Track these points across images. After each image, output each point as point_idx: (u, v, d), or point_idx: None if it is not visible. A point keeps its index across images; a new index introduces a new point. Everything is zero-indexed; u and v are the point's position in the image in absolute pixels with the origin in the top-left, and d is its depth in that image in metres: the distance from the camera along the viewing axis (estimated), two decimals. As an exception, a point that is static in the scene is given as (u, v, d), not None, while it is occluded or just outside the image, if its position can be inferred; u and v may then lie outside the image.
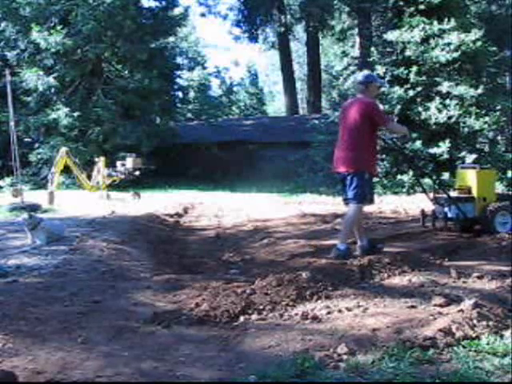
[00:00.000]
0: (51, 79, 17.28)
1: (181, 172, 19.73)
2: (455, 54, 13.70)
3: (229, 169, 20.07)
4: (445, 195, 6.60)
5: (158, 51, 19.49)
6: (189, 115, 26.58)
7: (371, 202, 5.66)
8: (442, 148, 13.39)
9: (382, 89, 14.30)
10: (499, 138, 15.62)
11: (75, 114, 17.09)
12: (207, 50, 46.10)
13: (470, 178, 6.80)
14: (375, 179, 13.78)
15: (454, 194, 6.84)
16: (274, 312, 3.85)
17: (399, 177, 13.61)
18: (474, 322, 3.17)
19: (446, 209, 6.49)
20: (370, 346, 3.00)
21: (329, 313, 3.75)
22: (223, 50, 70.46)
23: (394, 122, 5.87)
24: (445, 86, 13.81)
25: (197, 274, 5.36)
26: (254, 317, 3.78)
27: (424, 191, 6.92)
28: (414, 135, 13.76)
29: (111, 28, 17.41)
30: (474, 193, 6.61)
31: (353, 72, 17.01)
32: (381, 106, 5.97)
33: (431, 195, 6.83)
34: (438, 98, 13.82)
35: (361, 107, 5.44)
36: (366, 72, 6.12)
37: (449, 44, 13.79)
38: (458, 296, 3.88)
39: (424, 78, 14.05)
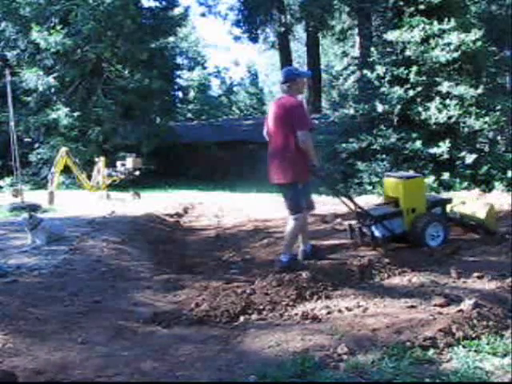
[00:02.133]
0: (51, 79, 17.28)
1: (181, 172, 19.73)
2: (455, 54, 13.70)
3: (229, 169, 20.07)
4: (371, 212, 5.88)
5: (158, 51, 19.50)
6: (189, 115, 26.60)
7: (311, 208, 5.27)
8: (442, 148, 13.39)
9: (383, 89, 14.32)
10: (499, 138, 15.61)
11: (75, 114, 17.10)
12: (207, 50, 46.08)
13: (396, 188, 6.04)
14: (374, 179, 13.84)
15: (380, 207, 6.21)
16: (273, 312, 3.85)
17: (399, 177, 13.59)
18: (474, 321, 3.17)
19: (373, 227, 5.78)
20: (369, 346, 3.00)
21: (329, 313, 3.75)
22: (223, 50, 70.50)
23: (307, 136, 4.84)
24: (445, 86, 13.81)
25: (197, 274, 5.36)
26: (254, 317, 3.78)
27: (344, 203, 5.79)
28: (414, 135, 13.78)
29: (111, 28, 17.41)
30: (402, 205, 5.87)
31: (353, 72, 17.04)
32: (305, 108, 5.19)
33: (352, 208, 5.89)
34: (438, 98, 13.82)
35: (284, 109, 4.93)
36: (286, 68, 5.39)
37: (449, 44, 13.79)
38: (458, 296, 3.88)
39: (424, 78, 14.05)
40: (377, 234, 5.76)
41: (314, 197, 13.82)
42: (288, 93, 5.06)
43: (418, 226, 5.72)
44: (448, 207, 6.36)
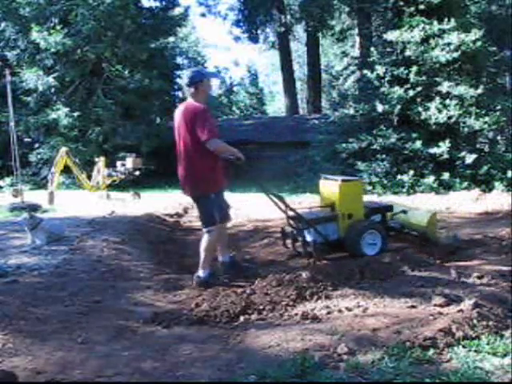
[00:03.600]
0: (51, 79, 17.28)
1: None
2: (455, 54, 13.69)
3: (229, 169, 20.06)
4: (304, 215, 5.52)
5: (158, 51, 19.48)
6: (189, 115, 26.55)
7: (225, 219, 4.82)
8: (442, 148, 13.39)
9: (383, 89, 14.31)
10: (499, 138, 15.60)
11: (75, 114, 17.09)
12: (207, 50, 46.10)
13: (332, 191, 5.65)
14: (374, 179, 13.83)
15: (314, 211, 5.86)
16: (273, 312, 3.86)
17: (399, 177, 13.60)
18: (474, 321, 3.17)
19: (306, 232, 5.41)
20: (369, 346, 3.00)
21: (329, 313, 3.75)
22: (223, 49, 70.49)
23: (217, 141, 4.52)
24: (445, 86, 13.80)
25: (197, 274, 5.35)
26: (254, 317, 3.78)
27: (275, 203, 5.33)
28: (414, 135, 13.77)
29: (111, 28, 17.41)
30: (337, 209, 5.51)
31: (353, 72, 17.03)
32: (210, 114, 4.66)
33: (284, 208, 5.42)
34: (438, 97, 13.81)
35: (188, 114, 4.56)
36: (192, 70, 4.97)
37: (449, 44, 13.78)
38: (458, 296, 3.88)
39: (424, 77, 14.04)
40: (308, 239, 5.35)
41: (314, 196, 13.81)
42: (194, 97, 4.64)
43: (353, 233, 5.39)
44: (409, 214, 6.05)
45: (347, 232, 5.44)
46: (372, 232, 5.45)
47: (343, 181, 5.58)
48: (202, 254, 4.76)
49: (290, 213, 5.40)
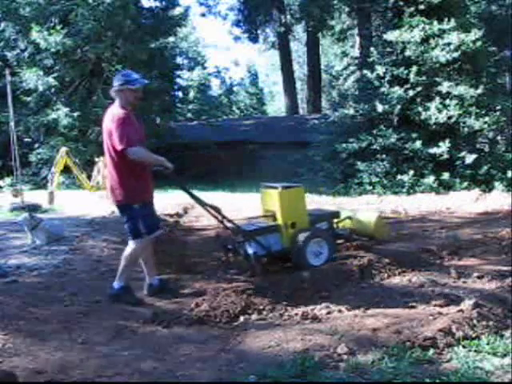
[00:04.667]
0: (51, 79, 17.26)
1: (181, 172, 19.67)
2: (455, 54, 13.69)
3: (229, 169, 20.06)
4: (244, 227, 5.22)
5: (158, 51, 19.47)
6: (189, 115, 26.59)
7: (152, 232, 4.40)
8: (442, 148, 13.38)
9: (383, 89, 14.31)
10: (499, 138, 15.59)
11: (75, 114, 17.07)
12: (207, 50, 46.15)
13: (272, 200, 5.29)
14: (374, 179, 13.83)
15: (255, 222, 5.57)
16: (273, 312, 3.86)
17: (399, 177, 13.60)
18: (474, 322, 3.17)
19: (247, 244, 5.07)
20: (369, 346, 3.00)
21: (329, 313, 3.75)
22: (223, 50, 70.44)
23: (136, 149, 4.16)
24: (445, 86, 13.80)
25: (197, 273, 5.36)
26: (254, 317, 3.78)
27: (211, 214, 5.05)
28: (414, 135, 13.77)
29: (111, 28, 17.39)
30: (279, 218, 5.17)
31: (353, 72, 17.02)
32: (132, 120, 4.33)
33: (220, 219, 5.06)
34: (438, 97, 13.81)
35: (109, 121, 4.29)
36: (120, 73, 4.64)
37: (449, 44, 13.78)
38: (458, 296, 3.88)
39: (424, 78, 14.04)
40: (250, 251, 4.98)
41: (314, 196, 13.81)
42: (119, 101, 4.35)
43: (297, 243, 5.04)
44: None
45: (291, 242, 5.10)
46: (318, 241, 5.14)
47: (283, 188, 5.25)
48: (122, 263, 4.39)
49: (229, 224, 5.06)
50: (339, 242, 5.68)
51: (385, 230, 5.87)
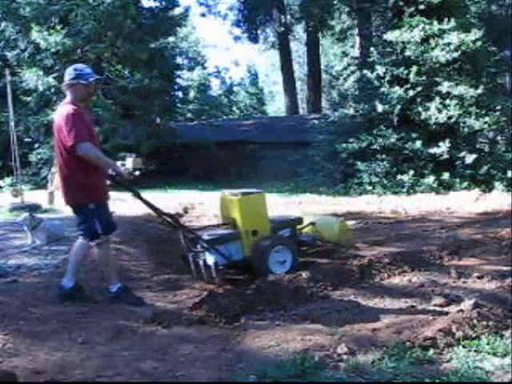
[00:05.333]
0: (51, 79, 17.26)
1: (181, 172, 19.72)
2: (455, 54, 13.70)
3: (229, 169, 20.07)
4: (203, 235, 4.98)
5: (158, 51, 19.48)
6: (189, 115, 26.58)
7: (109, 232, 4.23)
8: (442, 148, 13.39)
9: (383, 89, 14.30)
10: (499, 138, 15.60)
11: (75, 114, 17.08)
12: (207, 50, 46.15)
13: (232, 207, 5.09)
14: (374, 179, 13.83)
15: (215, 230, 5.39)
16: (273, 312, 3.86)
17: (399, 177, 13.61)
18: (474, 322, 3.17)
19: (207, 254, 4.80)
20: (369, 346, 3.00)
21: (329, 313, 3.75)
22: (223, 50, 70.45)
23: (87, 145, 3.96)
24: (445, 86, 13.80)
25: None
26: (254, 317, 3.78)
27: (170, 224, 4.86)
28: (414, 135, 13.77)
29: (111, 28, 17.40)
30: (239, 226, 4.97)
31: (353, 72, 17.02)
32: (80, 118, 4.06)
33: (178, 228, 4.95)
34: (438, 98, 13.81)
35: (59, 117, 4.09)
36: (72, 67, 4.27)
37: (449, 44, 13.79)
38: (458, 296, 3.88)
39: (424, 78, 14.04)
40: (209, 261, 4.71)
41: (314, 196, 13.75)
42: (69, 97, 4.17)
43: (259, 251, 4.87)
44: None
45: (253, 250, 4.91)
46: (280, 248, 4.97)
47: (243, 195, 5.07)
48: (104, 270, 4.32)
49: (189, 234, 4.90)
50: (303, 248, 5.49)
51: (349, 236, 5.57)
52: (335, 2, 21.13)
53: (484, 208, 9.71)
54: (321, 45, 31.17)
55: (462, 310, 3.40)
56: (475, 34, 13.73)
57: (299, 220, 5.64)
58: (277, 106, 46.50)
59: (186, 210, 10.60)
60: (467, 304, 3.45)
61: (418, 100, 14.08)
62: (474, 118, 13.63)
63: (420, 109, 13.87)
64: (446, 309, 3.61)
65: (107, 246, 4.25)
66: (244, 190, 5.27)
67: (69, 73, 4.16)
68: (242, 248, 4.96)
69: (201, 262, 4.84)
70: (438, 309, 3.64)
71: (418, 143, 13.57)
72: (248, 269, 4.98)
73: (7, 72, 11.23)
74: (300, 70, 40.41)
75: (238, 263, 4.99)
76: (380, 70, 14.42)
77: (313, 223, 5.71)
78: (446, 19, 13.88)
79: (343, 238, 5.52)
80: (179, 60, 28.70)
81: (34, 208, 9.01)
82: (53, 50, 16.80)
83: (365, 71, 15.05)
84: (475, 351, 2.88)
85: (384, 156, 14.06)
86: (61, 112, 4.11)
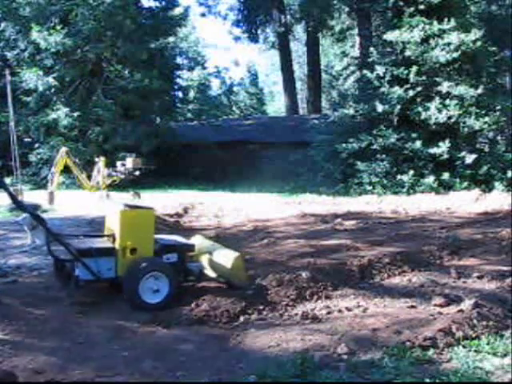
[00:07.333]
0: (51, 79, 17.27)
1: (181, 172, 19.72)
2: (455, 54, 13.70)
3: (229, 169, 20.07)
4: (76, 243, 4.50)
5: (158, 51, 19.48)
6: (189, 115, 26.57)
7: None
8: (442, 148, 13.40)
9: (383, 89, 14.30)
10: (499, 138, 15.61)
11: (75, 114, 17.09)
12: (207, 50, 46.02)
13: (113, 219, 4.54)
14: (374, 179, 13.84)
15: (91, 239, 4.84)
16: (273, 312, 3.85)
17: (399, 177, 13.61)
18: (474, 321, 3.17)
19: (75, 264, 4.25)
20: (370, 346, 3.00)
21: (329, 313, 3.75)
22: (223, 50, 70.36)
23: None
24: (445, 86, 13.81)
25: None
26: (254, 317, 3.78)
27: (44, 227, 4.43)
28: (414, 135, 13.78)
29: (111, 28, 17.40)
30: (117, 241, 4.36)
31: (353, 72, 17.04)
32: None
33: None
34: (437, 98, 13.82)
35: None
36: None
37: (449, 44, 13.79)
38: (458, 296, 3.88)
39: (424, 78, 14.05)
40: (75, 273, 4.21)
41: (314, 196, 13.71)
42: None
43: (132, 273, 4.18)
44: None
45: (126, 271, 4.23)
46: (157, 275, 4.22)
47: (127, 207, 4.58)
48: None
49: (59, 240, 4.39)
50: (190, 278, 4.71)
51: (243, 274, 4.72)
52: (335, 2, 21.15)
53: (484, 208, 9.71)
54: (321, 45, 31.16)
55: (461, 310, 3.40)
56: (475, 33, 13.74)
57: (190, 246, 4.90)
58: (277, 106, 46.48)
59: (186, 210, 10.59)
60: (467, 304, 3.45)
61: (418, 100, 14.09)
62: (474, 118, 13.63)
63: (420, 109, 13.87)
64: (445, 309, 3.61)
65: None
66: (133, 204, 4.75)
67: None
68: (114, 266, 4.30)
69: (70, 271, 4.32)
70: (438, 309, 3.64)
71: (418, 143, 13.58)
72: (120, 290, 4.29)
73: (7, 72, 11.24)
74: (300, 70, 40.39)
75: (109, 281, 4.38)
76: (380, 70, 14.43)
77: (210, 252, 4.99)
78: (446, 19, 13.90)
79: (236, 276, 4.66)
80: (179, 60, 28.65)
81: (34, 208, 9.01)
82: (53, 49, 16.81)
83: (365, 71, 15.06)
84: (475, 351, 2.88)
85: (384, 156, 14.06)
86: None
